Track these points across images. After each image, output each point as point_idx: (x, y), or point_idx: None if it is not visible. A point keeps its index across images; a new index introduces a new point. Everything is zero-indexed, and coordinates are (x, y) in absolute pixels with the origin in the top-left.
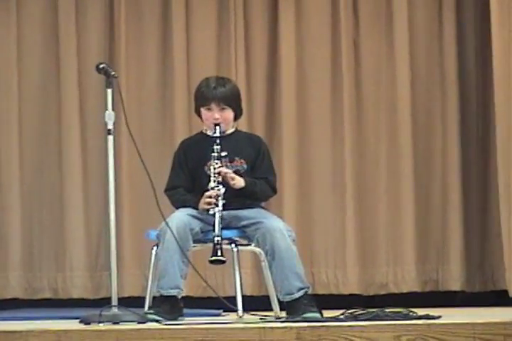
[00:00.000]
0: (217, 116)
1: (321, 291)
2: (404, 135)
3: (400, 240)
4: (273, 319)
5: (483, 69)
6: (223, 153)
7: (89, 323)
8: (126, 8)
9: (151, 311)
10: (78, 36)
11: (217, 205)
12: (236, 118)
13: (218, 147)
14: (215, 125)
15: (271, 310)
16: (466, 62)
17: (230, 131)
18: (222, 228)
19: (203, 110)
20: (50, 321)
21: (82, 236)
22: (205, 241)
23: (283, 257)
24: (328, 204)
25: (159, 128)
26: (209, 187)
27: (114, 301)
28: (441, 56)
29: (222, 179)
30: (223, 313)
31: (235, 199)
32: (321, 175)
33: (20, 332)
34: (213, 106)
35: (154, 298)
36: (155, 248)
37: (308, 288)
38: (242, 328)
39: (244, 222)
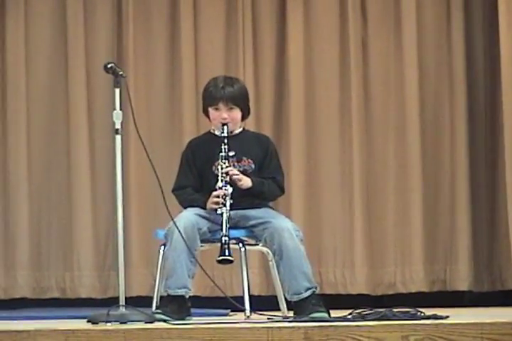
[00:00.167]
0: (225, 115)
1: (328, 291)
2: (412, 135)
3: (408, 240)
4: (281, 319)
5: (491, 68)
6: (231, 153)
7: (96, 323)
8: (134, 8)
9: (159, 311)
10: (86, 36)
11: (224, 205)
12: (244, 118)
13: (226, 147)
14: (223, 125)
15: (278, 309)
16: (474, 61)
17: (238, 130)
18: (230, 228)
19: (210, 110)
20: (57, 320)
21: (89, 236)
22: (212, 241)
23: (291, 257)
24: (336, 204)
25: (167, 128)
26: (217, 187)
27: (122, 301)
28: (450, 55)
29: (230, 179)
30: (231, 313)
31: (242, 198)
32: (329, 175)
33: (28, 331)
34: (221, 105)
35: (162, 297)
36: (162, 247)
37: (316, 287)
38: (250, 328)
39: (252, 222)
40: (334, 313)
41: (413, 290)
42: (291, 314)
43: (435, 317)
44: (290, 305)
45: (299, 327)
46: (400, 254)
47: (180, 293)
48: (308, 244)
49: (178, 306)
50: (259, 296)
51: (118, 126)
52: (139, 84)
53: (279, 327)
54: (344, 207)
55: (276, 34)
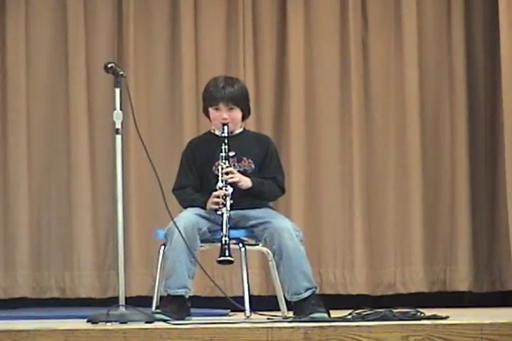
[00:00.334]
0: (225, 116)
1: (328, 291)
2: (412, 134)
3: (407, 240)
4: (280, 319)
5: (492, 67)
6: (231, 153)
7: (96, 322)
8: (134, 8)
9: (159, 311)
10: (87, 36)
11: (224, 205)
12: (244, 118)
13: (226, 147)
14: (223, 125)
15: (278, 310)
16: (475, 60)
17: (238, 130)
18: (230, 228)
19: (211, 110)
20: (57, 320)
21: (89, 236)
22: (212, 241)
23: (291, 257)
24: (336, 204)
25: (167, 128)
26: (217, 187)
27: (122, 301)
28: (450, 55)
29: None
30: (231, 313)
31: (242, 199)
32: (329, 175)
33: (28, 331)
34: (221, 106)
35: (162, 297)
36: (162, 247)
37: (315, 288)
38: (250, 328)
39: (252, 222)
40: (334, 313)
41: (413, 291)
42: (291, 314)
43: (435, 317)
44: (290, 306)
45: (299, 328)
46: (399, 254)
47: (180, 293)
48: (308, 244)
49: (177, 306)
50: (259, 296)
51: (118, 126)
52: (140, 84)
53: (278, 328)
54: (344, 207)
55: (276, 34)
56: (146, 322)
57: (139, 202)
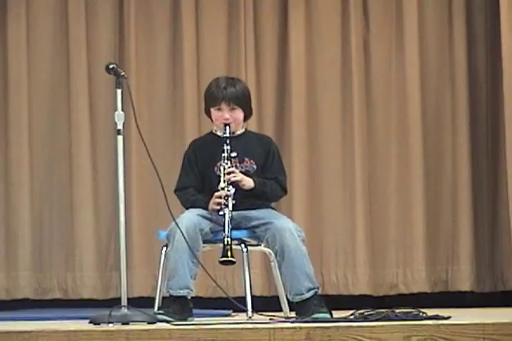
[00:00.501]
0: (227, 116)
1: (330, 292)
2: (414, 135)
3: (409, 240)
4: (282, 319)
5: (493, 68)
6: (233, 154)
7: (98, 323)
8: (135, 8)
9: (161, 311)
10: (88, 37)
11: (226, 206)
12: (246, 118)
13: (228, 147)
14: (225, 125)
15: (280, 310)
16: (476, 61)
17: (240, 131)
18: (232, 228)
19: (213, 110)
20: (59, 321)
21: (91, 237)
22: (214, 242)
23: (292, 257)
24: (338, 204)
25: (169, 129)
26: (219, 188)
27: (124, 301)
28: (451, 56)
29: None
30: (233, 313)
31: (244, 199)
32: (331, 176)
33: (30, 332)
34: (223, 106)
35: (164, 298)
36: (165, 248)
37: (317, 288)
38: (252, 328)
39: (253, 223)
40: (336, 314)
41: (415, 291)
42: (293, 314)
43: (437, 317)
44: (292, 306)
45: (301, 328)
46: (401, 255)
47: (182, 294)
48: (310, 245)
49: (180, 307)
50: (261, 297)
51: (120, 126)
52: (141, 85)
53: (281, 328)
54: (346, 207)
55: (278, 35)
56: (149, 323)
57: (140, 203)
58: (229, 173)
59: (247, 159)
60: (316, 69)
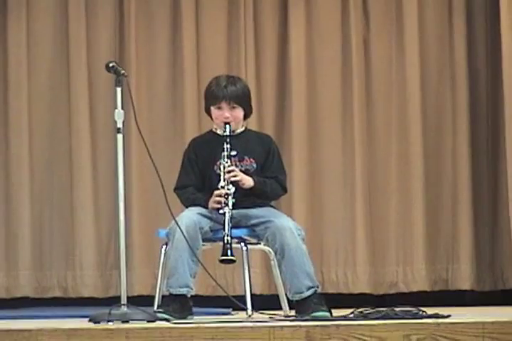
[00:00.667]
0: (227, 114)
1: (330, 290)
2: (414, 134)
3: (410, 239)
4: (282, 318)
5: (493, 68)
6: (233, 152)
7: (98, 322)
8: (136, 7)
9: (161, 310)
10: (88, 35)
11: (226, 204)
12: (246, 117)
13: (228, 146)
14: (225, 124)
15: (280, 308)
16: (476, 61)
17: (240, 130)
18: (232, 227)
19: (213, 109)
20: (59, 320)
21: (91, 235)
22: (214, 240)
23: (292, 256)
24: (338, 203)
25: (169, 127)
26: (219, 186)
27: (124, 300)
28: (451, 55)
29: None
30: (232, 312)
31: (244, 198)
32: (331, 174)
33: (30, 330)
34: (223, 104)
35: (164, 296)
36: (164, 247)
37: (317, 286)
38: (252, 327)
39: (253, 221)
40: (336, 312)
41: (415, 290)
42: (293, 313)
43: (437, 316)
44: (292, 304)
45: (301, 326)
46: (401, 253)
47: (182, 292)
48: (310, 243)
49: (179, 305)
50: (260, 295)
51: (120, 125)
52: (141, 84)
53: (280, 326)
54: (346, 206)
55: (278, 33)
56: (148, 322)
57: (140, 202)
58: (229, 172)
59: (246, 158)
60: (316, 68)
